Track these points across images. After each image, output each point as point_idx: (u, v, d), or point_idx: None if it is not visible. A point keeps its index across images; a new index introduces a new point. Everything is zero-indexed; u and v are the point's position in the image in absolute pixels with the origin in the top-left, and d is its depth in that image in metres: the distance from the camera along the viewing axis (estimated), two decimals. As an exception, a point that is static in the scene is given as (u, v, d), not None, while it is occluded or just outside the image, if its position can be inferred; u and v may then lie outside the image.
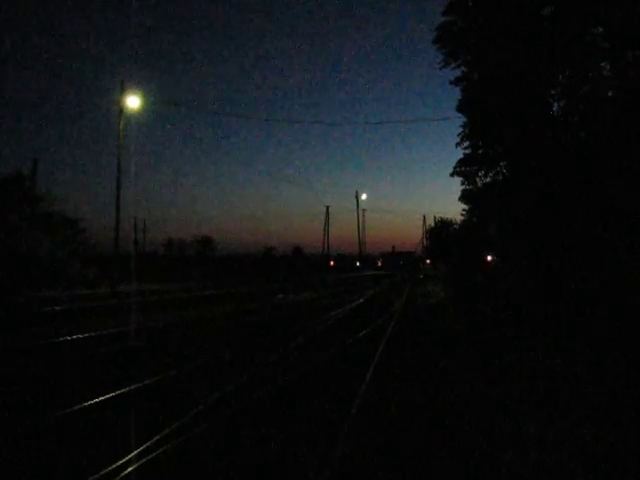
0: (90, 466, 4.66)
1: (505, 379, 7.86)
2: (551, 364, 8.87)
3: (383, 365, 8.90)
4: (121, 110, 29.51)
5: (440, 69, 19.64)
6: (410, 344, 11.53)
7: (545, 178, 16.76)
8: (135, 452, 4.91)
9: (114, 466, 4.60)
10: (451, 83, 20.24)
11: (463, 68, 19.56)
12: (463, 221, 38.89)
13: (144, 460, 4.75)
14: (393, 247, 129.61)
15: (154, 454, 4.86)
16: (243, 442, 5.34)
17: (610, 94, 15.81)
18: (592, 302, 14.14)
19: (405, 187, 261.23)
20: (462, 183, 22.99)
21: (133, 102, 29.71)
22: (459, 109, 20.69)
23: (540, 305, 16.44)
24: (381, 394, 7.01)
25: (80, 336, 12.34)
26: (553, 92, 17.76)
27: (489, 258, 35.21)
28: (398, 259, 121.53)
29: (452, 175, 22.36)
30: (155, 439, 5.23)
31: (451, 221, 52.02)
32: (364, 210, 78.68)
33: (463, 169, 21.82)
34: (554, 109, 17.89)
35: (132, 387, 7.39)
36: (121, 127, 29.33)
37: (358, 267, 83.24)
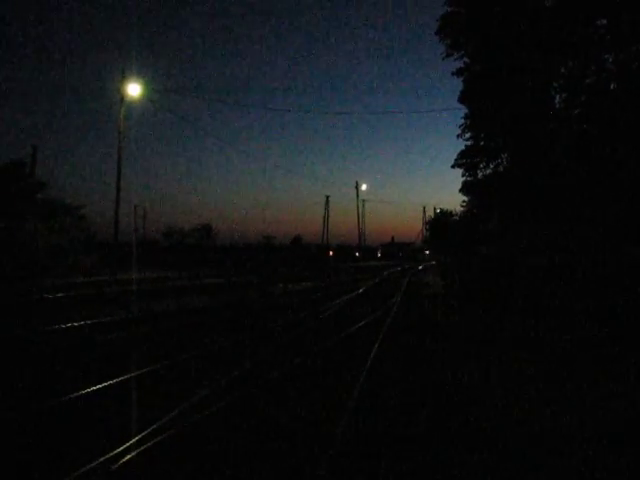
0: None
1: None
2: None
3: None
4: (122, 98, 29.41)
5: (442, 60, 19.54)
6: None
7: (544, 171, 16.72)
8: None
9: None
10: (453, 74, 20.07)
11: (465, 59, 19.41)
12: (463, 212, 38.73)
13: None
14: (392, 238, 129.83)
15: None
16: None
17: (613, 87, 15.72)
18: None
19: (406, 178, 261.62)
20: (463, 175, 22.94)
21: (134, 90, 29.58)
22: (461, 100, 20.59)
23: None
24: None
25: (88, 322, 12.36)
26: (555, 84, 17.68)
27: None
28: (397, 250, 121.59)
29: (453, 167, 22.34)
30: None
31: (451, 212, 51.69)
32: (364, 201, 78.55)
33: (464, 161, 21.78)
34: (556, 101, 17.83)
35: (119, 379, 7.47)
36: (121, 115, 29.24)
37: (357, 258, 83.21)
